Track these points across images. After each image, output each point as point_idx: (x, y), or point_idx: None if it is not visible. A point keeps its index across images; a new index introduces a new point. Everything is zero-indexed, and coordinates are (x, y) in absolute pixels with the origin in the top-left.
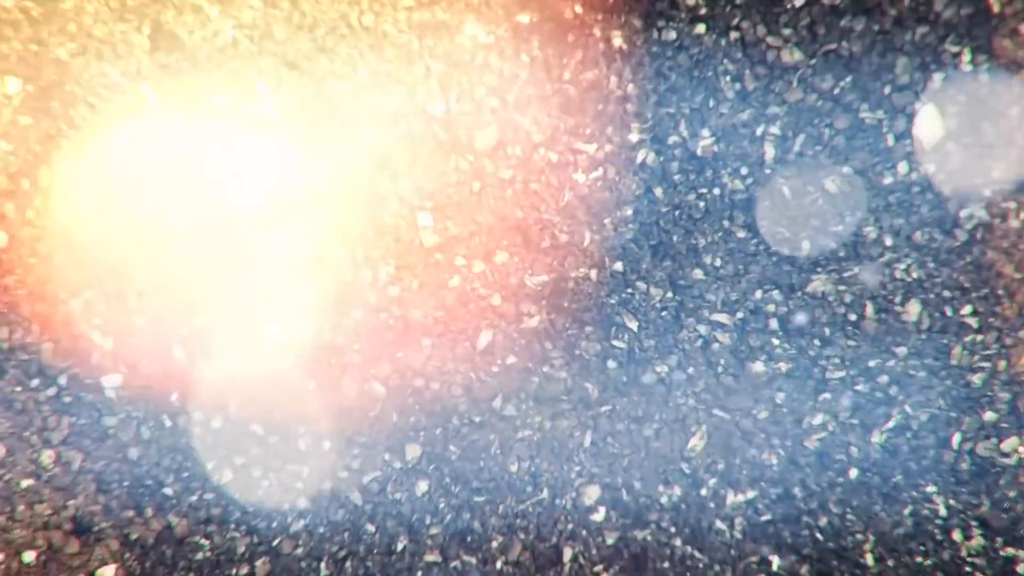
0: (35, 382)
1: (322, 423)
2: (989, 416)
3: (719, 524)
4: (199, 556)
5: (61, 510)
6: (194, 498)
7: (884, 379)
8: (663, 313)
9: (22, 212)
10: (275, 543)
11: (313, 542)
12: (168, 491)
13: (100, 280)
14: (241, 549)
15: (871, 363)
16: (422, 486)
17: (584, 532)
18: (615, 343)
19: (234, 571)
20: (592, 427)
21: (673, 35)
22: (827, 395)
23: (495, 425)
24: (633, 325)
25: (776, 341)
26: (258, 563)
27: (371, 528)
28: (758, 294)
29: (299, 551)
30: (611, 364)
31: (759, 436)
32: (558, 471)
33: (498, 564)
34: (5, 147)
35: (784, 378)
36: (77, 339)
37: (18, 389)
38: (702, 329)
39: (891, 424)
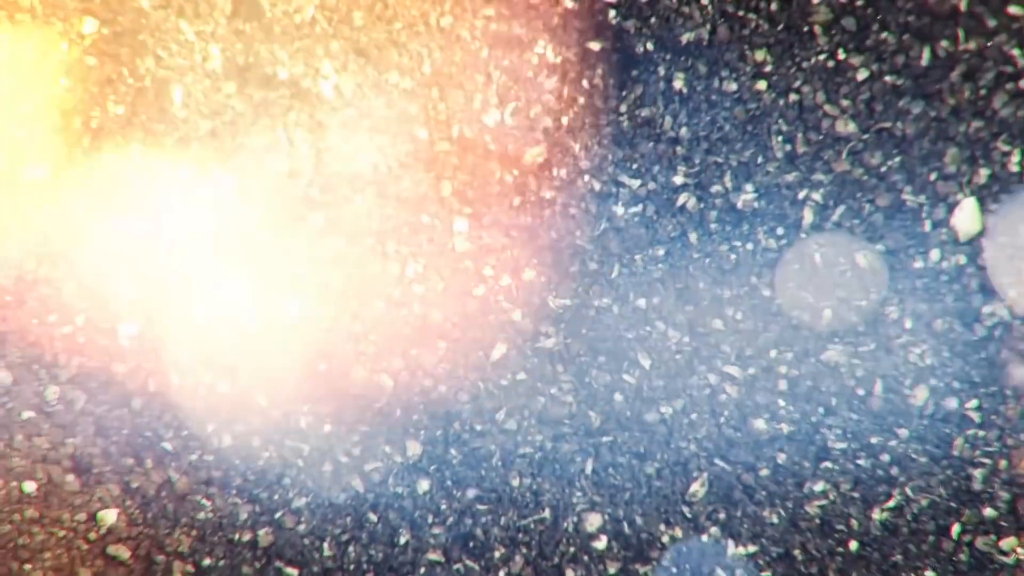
0: (53, 317)
1: (326, 406)
2: (989, 512)
3: (720, 573)
4: (201, 515)
5: (59, 446)
6: (194, 457)
7: (885, 458)
8: (677, 356)
9: (69, 149)
10: (277, 515)
11: (315, 521)
12: (167, 446)
13: (133, 230)
14: (243, 516)
15: (873, 439)
16: (423, 484)
17: (586, 558)
18: (625, 377)
19: (236, 536)
20: (594, 455)
21: (734, 87)
22: (828, 464)
23: (496, 436)
24: (646, 363)
25: (782, 402)
26: (261, 532)
27: (373, 517)
28: (772, 353)
29: (302, 527)
30: (617, 396)
31: (760, 493)
32: (560, 493)
33: (500, 574)
34: (65, 83)
35: (786, 440)
36: (101, 282)
37: (35, 321)
38: (712, 378)
39: (891, 503)
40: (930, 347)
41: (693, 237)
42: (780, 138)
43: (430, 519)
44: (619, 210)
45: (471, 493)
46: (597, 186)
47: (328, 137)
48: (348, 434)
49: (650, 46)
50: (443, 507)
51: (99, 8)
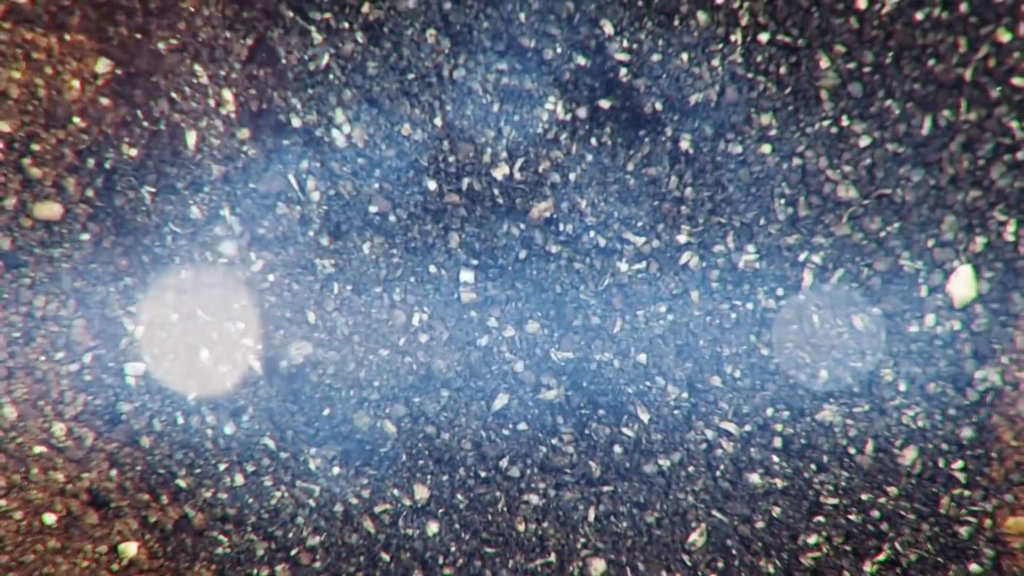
0: (60, 355)
1: (332, 449)
2: (974, 568)
3: None
4: (219, 551)
5: (76, 480)
6: (208, 494)
7: (875, 514)
8: (675, 411)
9: (81, 188)
10: (293, 552)
11: (330, 559)
12: (182, 483)
13: (142, 270)
14: (260, 552)
15: (864, 496)
16: (432, 527)
17: None
18: (624, 430)
19: (255, 571)
20: (595, 503)
21: (739, 149)
22: (821, 518)
23: (500, 483)
24: (645, 417)
25: (776, 458)
26: (278, 568)
27: (386, 557)
28: (769, 411)
29: (317, 565)
30: (617, 449)
31: (757, 544)
32: (564, 539)
33: None
34: (79, 123)
35: (780, 494)
36: (109, 322)
37: (42, 358)
38: (709, 433)
39: (882, 557)
40: (923, 410)
41: (695, 295)
42: (783, 201)
43: (441, 560)
44: (623, 266)
45: (480, 537)
46: (602, 242)
47: (339, 185)
48: (357, 476)
49: (659, 106)
50: (453, 549)
51: (115, 49)
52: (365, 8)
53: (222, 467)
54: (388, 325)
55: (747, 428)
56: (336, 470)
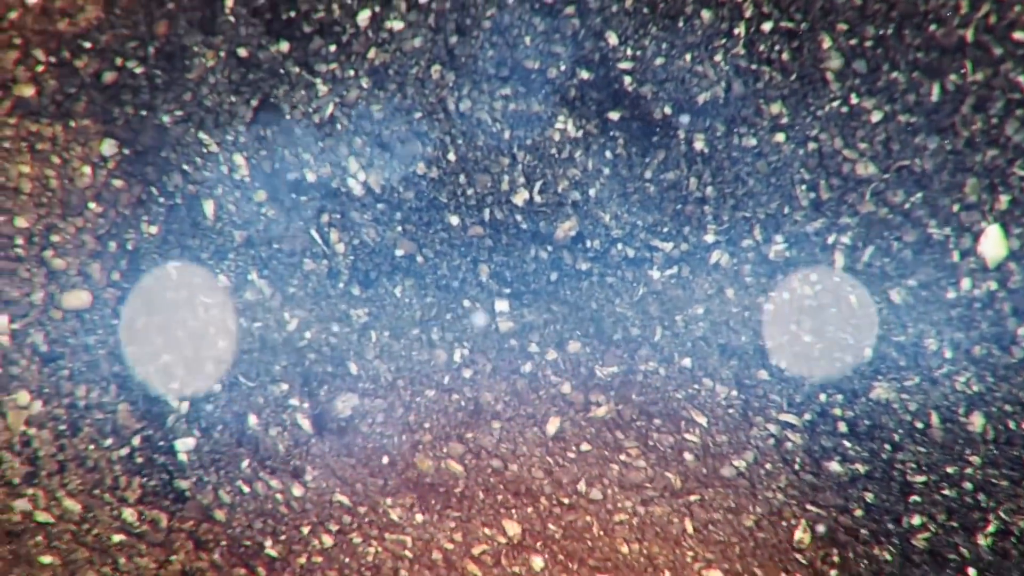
0: (108, 441)
1: (407, 496)
2: None
3: None
4: None
5: (167, 564)
6: (303, 560)
7: (968, 485)
8: (729, 410)
9: (106, 273)
10: None
11: None
12: (272, 552)
13: (179, 345)
14: None
15: (949, 469)
16: (537, 561)
17: None
18: (687, 436)
19: None
20: (688, 514)
21: (754, 142)
22: (916, 497)
23: (587, 507)
24: (702, 420)
25: (847, 443)
26: None
27: None
28: (822, 397)
29: None
30: (688, 456)
31: (863, 532)
32: (672, 554)
33: None
34: (95, 208)
35: (866, 479)
36: (153, 401)
37: (91, 447)
38: (772, 428)
39: (991, 528)
40: (972, 374)
41: (730, 292)
42: (803, 186)
43: None
44: (655, 274)
45: (587, 565)
46: (631, 253)
47: (362, 233)
48: (442, 521)
49: (668, 110)
50: None
51: (119, 129)
52: (371, 53)
53: (305, 530)
54: (430, 365)
55: (807, 417)
56: (419, 517)
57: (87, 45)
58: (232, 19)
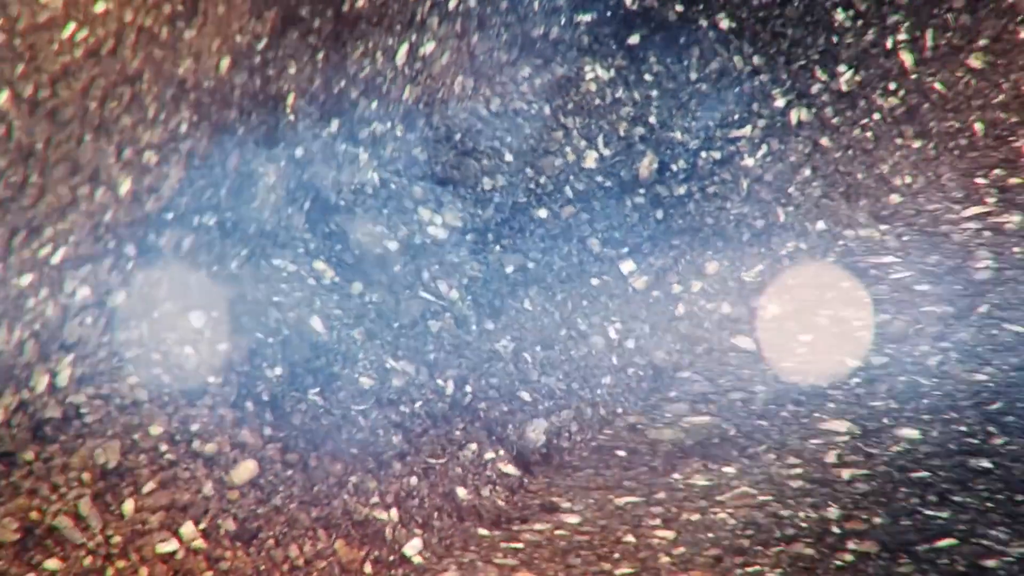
0: None
1: (692, 462)
2: None
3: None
4: None
5: None
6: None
7: None
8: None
9: (257, 433)
10: None
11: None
12: None
13: (361, 464)
14: None
15: None
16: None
17: None
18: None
19: None
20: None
21: None
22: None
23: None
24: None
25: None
26: None
27: None
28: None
29: None
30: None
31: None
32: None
33: None
34: (215, 380)
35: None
36: (365, 524)
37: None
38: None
39: None
40: None
41: (824, 140)
42: (839, 9)
43: None
44: (749, 162)
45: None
46: (717, 155)
47: (466, 271)
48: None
49: (679, 7)
50: None
51: (198, 298)
52: (407, 92)
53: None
54: (593, 355)
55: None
56: (727, 469)
57: (168, 217)
58: (292, 117)
